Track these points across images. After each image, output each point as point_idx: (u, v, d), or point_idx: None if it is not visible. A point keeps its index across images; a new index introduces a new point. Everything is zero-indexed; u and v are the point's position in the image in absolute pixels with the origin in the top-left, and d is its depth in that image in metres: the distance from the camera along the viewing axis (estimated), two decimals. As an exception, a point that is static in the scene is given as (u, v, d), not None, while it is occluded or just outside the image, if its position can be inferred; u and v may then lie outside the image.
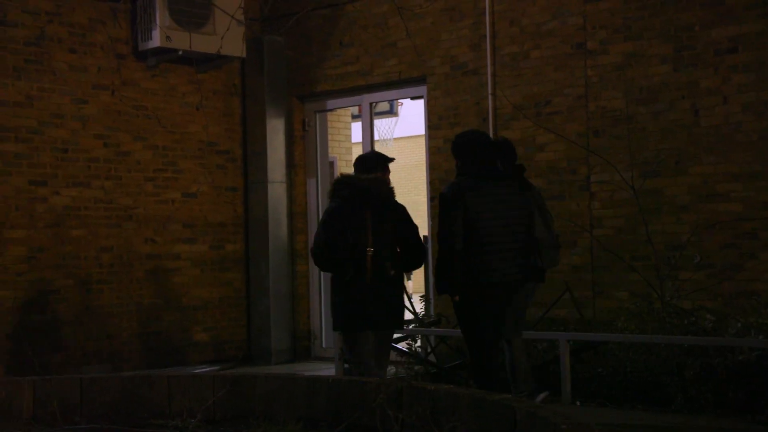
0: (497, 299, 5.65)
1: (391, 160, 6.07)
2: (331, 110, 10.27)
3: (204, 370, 8.98)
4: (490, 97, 8.44)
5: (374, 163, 6.02)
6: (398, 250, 5.89)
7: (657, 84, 7.52)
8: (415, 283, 19.37)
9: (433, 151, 8.96)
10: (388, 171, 6.06)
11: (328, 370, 8.92)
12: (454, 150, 5.87)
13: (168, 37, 7.99)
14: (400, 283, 5.98)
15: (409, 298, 8.89)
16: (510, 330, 6.07)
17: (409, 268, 6.16)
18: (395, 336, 8.25)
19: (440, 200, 5.74)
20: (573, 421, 3.38)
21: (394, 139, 13.32)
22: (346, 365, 8.02)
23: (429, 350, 8.21)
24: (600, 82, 7.82)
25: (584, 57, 7.91)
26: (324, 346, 9.92)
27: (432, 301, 8.89)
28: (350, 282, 5.78)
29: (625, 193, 7.46)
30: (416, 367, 7.94)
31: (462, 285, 5.61)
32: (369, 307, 5.76)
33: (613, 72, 7.74)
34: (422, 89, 9.12)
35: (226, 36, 8.31)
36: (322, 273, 9.63)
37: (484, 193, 5.63)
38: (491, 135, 8.35)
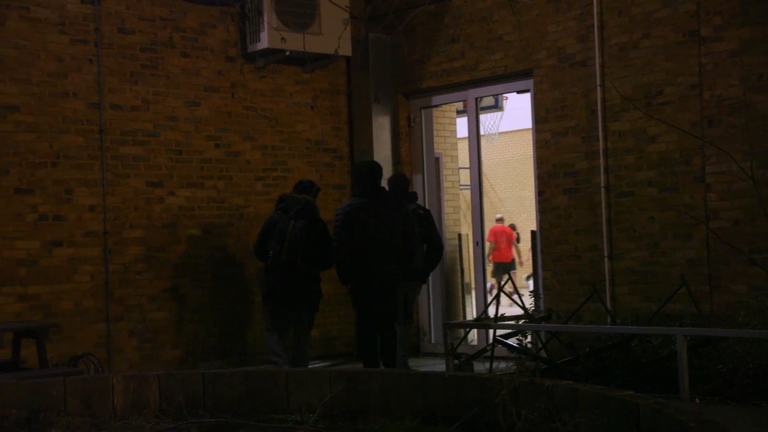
0: (378, 289, 7.46)
1: (319, 189, 8.28)
2: (436, 106, 10.28)
3: (315, 366, 9.11)
4: (598, 88, 8.31)
5: (308, 188, 8.08)
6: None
7: (776, 70, 7.27)
8: (521, 279, 19.17)
9: (540, 145, 8.87)
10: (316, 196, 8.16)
11: (438, 365, 8.94)
12: (352, 176, 7.82)
13: (283, 38, 8.20)
14: (315, 275, 7.96)
15: (519, 295, 8.83)
16: (401, 314, 7.97)
17: (322, 265, 7.95)
18: (505, 332, 8.23)
19: (336, 214, 7.57)
20: (701, 418, 3.30)
21: (500, 133, 13.22)
22: (456, 361, 8.04)
23: (540, 346, 8.14)
24: (715, 70, 7.60)
25: (698, 45, 7.70)
26: (433, 341, 9.95)
27: (542, 296, 8.81)
28: (271, 269, 7.87)
29: (743, 184, 7.23)
30: (527, 363, 7.87)
31: (353, 278, 7.48)
32: (286, 292, 7.84)
33: (729, 59, 7.51)
34: (529, 82, 9.04)
35: (333, 35, 8.43)
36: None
37: (369, 210, 7.42)
38: (599, 128, 8.27)
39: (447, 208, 10.53)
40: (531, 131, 9.16)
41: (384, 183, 8.17)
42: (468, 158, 9.83)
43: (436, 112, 10.47)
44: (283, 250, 7.81)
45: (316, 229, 7.92)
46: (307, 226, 7.87)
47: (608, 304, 8.06)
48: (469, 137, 9.83)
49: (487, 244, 19.70)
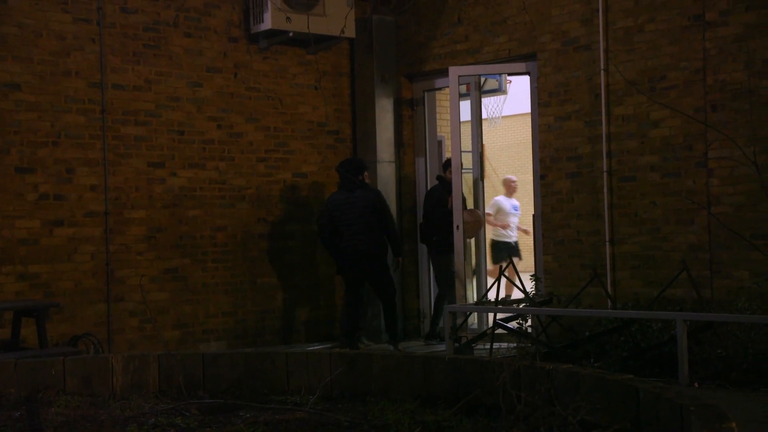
0: (351, 263, 8.93)
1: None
2: (439, 89, 10.22)
3: (316, 347, 9.12)
4: (602, 72, 8.27)
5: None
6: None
7: (781, 56, 7.22)
8: (525, 261, 19.18)
9: (543, 129, 8.83)
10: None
11: (438, 348, 8.95)
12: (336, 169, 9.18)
13: (288, 18, 8.12)
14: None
15: (519, 278, 8.83)
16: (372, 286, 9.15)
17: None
18: (505, 315, 8.23)
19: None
20: (701, 402, 3.30)
21: (503, 117, 13.16)
22: (456, 344, 8.04)
23: (540, 330, 8.14)
24: (719, 55, 7.56)
25: (702, 29, 7.66)
26: (433, 324, 9.93)
27: (543, 280, 8.80)
28: None
29: (745, 169, 7.21)
30: (527, 347, 7.87)
31: (335, 254, 9.03)
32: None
33: (734, 44, 7.47)
34: (532, 65, 8.99)
35: (338, 17, 8.39)
36: (428, 252, 9.76)
37: (344, 199, 8.89)
38: (603, 112, 8.23)
39: (449, 191, 10.49)
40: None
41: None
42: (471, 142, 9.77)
43: (439, 95, 10.42)
44: None
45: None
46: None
47: (609, 289, 8.06)
48: (473, 120, 9.75)
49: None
